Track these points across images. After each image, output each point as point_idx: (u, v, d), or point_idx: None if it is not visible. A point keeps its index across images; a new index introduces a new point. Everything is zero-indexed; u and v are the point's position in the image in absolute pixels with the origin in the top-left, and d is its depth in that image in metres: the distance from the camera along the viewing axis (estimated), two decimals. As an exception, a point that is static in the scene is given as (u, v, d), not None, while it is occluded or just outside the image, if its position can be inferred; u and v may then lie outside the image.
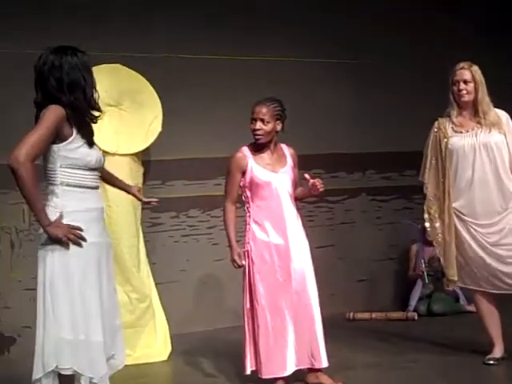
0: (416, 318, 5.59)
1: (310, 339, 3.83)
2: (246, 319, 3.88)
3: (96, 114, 3.05)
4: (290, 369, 3.81)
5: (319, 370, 3.89)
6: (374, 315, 5.65)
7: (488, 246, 4.15)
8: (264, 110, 3.83)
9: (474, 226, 4.17)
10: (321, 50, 5.92)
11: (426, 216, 4.31)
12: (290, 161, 3.96)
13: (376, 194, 6.23)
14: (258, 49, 5.66)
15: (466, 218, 4.18)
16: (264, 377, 3.80)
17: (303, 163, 5.58)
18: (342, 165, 6.05)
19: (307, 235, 4.00)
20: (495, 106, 4.25)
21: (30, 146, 2.81)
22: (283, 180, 3.89)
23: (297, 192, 4.00)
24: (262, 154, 3.89)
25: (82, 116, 2.99)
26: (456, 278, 4.23)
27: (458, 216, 4.20)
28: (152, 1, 5.39)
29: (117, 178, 3.49)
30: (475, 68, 4.22)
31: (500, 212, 4.14)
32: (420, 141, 6.07)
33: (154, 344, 4.68)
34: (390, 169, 6.27)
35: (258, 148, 3.89)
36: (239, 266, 3.85)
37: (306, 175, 3.90)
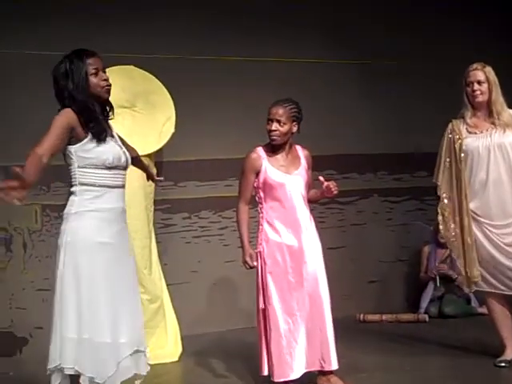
0: (427, 320, 5.57)
1: (320, 341, 3.82)
2: (260, 320, 3.88)
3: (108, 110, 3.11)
4: (299, 371, 3.80)
5: (331, 373, 3.88)
6: (384, 317, 5.64)
7: (504, 246, 4.13)
8: (280, 111, 3.83)
9: (489, 227, 4.15)
10: (333, 51, 5.90)
11: (439, 218, 4.29)
12: (304, 162, 3.96)
13: (388, 195, 6.22)
14: (269, 50, 5.65)
15: (480, 218, 4.16)
16: (276, 380, 3.79)
17: (315, 164, 5.57)
18: (354, 166, 6.04)
19: (319, 237, 4.00)
20: (509, 107, 4.23)
21: (46, 144, 2.91)
22: (297, 182, 3.89)
23: (310, 194, 3.99)
24: (276, 156, 3.88)
25: (94, 116, 3.03)
26: (479, 279, 4.18)
27: (472, 217, 4.18)
28: (166, 2, 5.40)
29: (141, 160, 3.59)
30: (488, 69, 4.21)
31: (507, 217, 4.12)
32: (432, 142, 6.10)
33: (165, 345, 4.69)
34: (402, 170, 6.25)
35: (272, 149, 3.89)
36: (250, 268, 3.84)
37: (321, 177, 3.90)
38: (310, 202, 4.02)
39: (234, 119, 5.45)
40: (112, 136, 3.16)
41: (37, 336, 4.88)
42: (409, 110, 6.14)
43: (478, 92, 4.17)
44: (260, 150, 3.89)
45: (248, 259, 3.81)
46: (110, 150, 3.07)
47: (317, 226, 4.03)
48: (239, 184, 3.93)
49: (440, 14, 6.22)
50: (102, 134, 3.05)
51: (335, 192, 3.89)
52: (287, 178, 3.86)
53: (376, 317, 5.65)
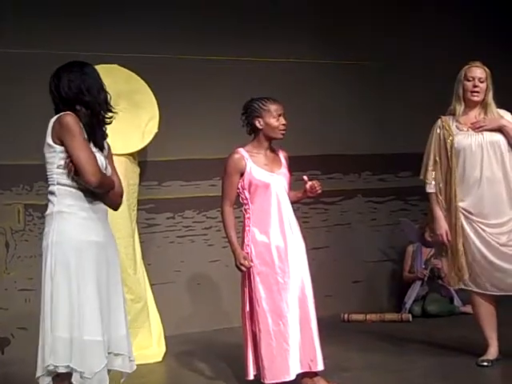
0: (411, 319, 5.59)
1: (309, 342, 3.82)
2: (246, 322, 3.86)
3: (109, 115, 3.13)
4: (293, 373, 3.77)
5: (315, 374, 3.87)
6: (368, 316, 5.65)
7: (498, 246, 4.09)
8: (282, 106, 3.88)
9: (482, 226, 4.11)
10: (317, 51, 5.92)
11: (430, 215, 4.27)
12: (284, 162, 3.97)
13: (372, 195, 6.24)
14: (254, 50, 5.66)
15: (474, 217, 4.12)
16: (267, 382, 3.75)
17: (299, 164, 5.60)
18: (338, 166, 6.05)
19: (303, 236, 4.00)
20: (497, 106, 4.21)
21: (90, 164, 2.97)
22: (281, 181, 3.89)
23: (290, 195, 3.99)
24: (258, 155, 3.87)
25: (92, 120, 3.05)
26: (466, 277, 4.15)
27: (465, 216, 4.14)
28: (150, 2, 5.38)
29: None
30: (487, 69, 4.16)
31: (509, 212, 4.10)
32: (416, 143, 6.14)
33: (148, 345, 4.68)
34: (386, 170, 6.27)
35: (254, 149, 3.89)
36: (247, 269, 3.78)
37: (305, 177, 3.90)
38: (291, 202, 4.01)
39: (219, 119, 5.44)
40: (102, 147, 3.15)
41: (19, 337, 4.84)
42: (393, 111, 6.16)
43: (478, 89, 4.10)
44: (242, 151, 3.87)
45: (243, 261, 3.77)
46: (97, 157, 3.07)
47: (301, 226, 4.03)
48: (223, 186, 3.89)
49: (428, 14, 6.25)
50: (95, 138, 3.08)
51: (319, 191, 3.89)
52: (272, 178, 3.85)
53: (360, 316, 5.67)
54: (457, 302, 5.77)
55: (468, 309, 5.66)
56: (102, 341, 2.98)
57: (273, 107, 3.84)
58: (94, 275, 2.99)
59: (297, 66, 5.83)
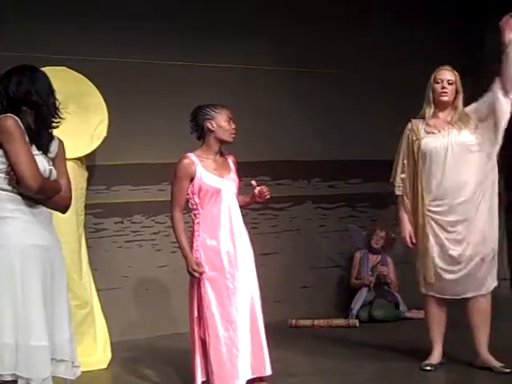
0: (357, 324, 5.66)
1: (258, 347, 3.82)
2: (194, 328, 3.84)
3: (55, 120, 3.10)
4: (243, 378, 3.77)
5: (261, 379, 3.88)
6: (316, 322, 5.69)
7: (446, 244, 4.16)
8: (231, 111, 3.93)
9: (441, 225, 4.16)
10: (268, 58, 5.94)
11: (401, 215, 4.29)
12: (233, 167, 3.98)
13: (321, 201, 6.29)
14: (206, 55, 5.65)
15: (436, 216, 4.18)
16: None
17: (249, 170, 5.61)
18: (288, 172, 6.08)
19: (251, 242, 4.01)
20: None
21: (30, 168, 2.91)
22: (231, 186, 3.90)
23: (239, 199, 3.99)
24: (208, 160, 3.87)
25: (37, 122, 3.00)
26: (433, 281, 4.20)
27: (432, 218, 4.19)
28: (98, 4, 5.32)
29: None
30: (456, 73, 4.25)
31: (467, 214, 4.15)
32: (366, 150, 6.25)
33: (93, 352, 4.61)
34: (336, 177, 6.33)
35: (203, 154, 3.88)
36: (200, 274, 3.77)
37: (253, 182, 3.92)
38: (240, 207, 4.02)
39: (168, 124, 5.41)
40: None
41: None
42: (345, 118, 6.23)
43: (446, 91, 4.18)
44: (191, 156, 3.86)
45: (196, 267, 3.75)
46: (38, 160, 3.00)
47: (250, 232, 4.04)
48: (172, 191, 3.87)
49: (389, 20, 6.33)
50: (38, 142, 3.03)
51: (267, 196, 3.92)
52: (223, 183, 3.86)
53: (308, 322, 5.70)
54: (402, 307, 5.87)
55: (413, 314, 5.78)
56: (49, 346, 2.93)
57: (224, 111, 3.89)
58: (39, 279, 2.94)
59: (249, 72, 5.85)
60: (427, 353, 4.32)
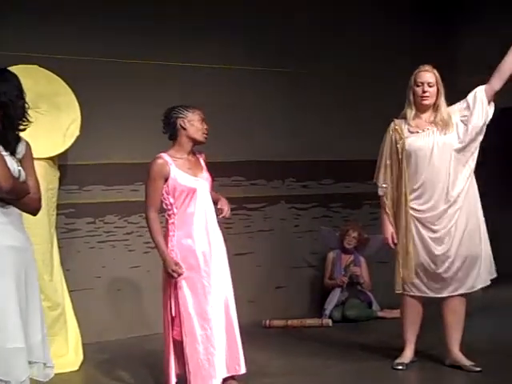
0: (331, 324, 5.68)
1: (234, 345, 3.83)
2: (169, 328, 3.82)
3: (24, 123, 3.06)
4: (219, 377, 3.78)
5: (232, 378, 3.89)
6: (289, 322, 5.70)
7: (428, 243, 4.18)
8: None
9: (424, 224, 4.18)
10: (242, 58, 5.93)
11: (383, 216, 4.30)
12: (204, 165, 3.98)
13: (295, 202, 6.30)
14: (179, 55, 5.62)
15: (420, 215, 4.19)
16: None
17: (223, 170, 5.65)
18: (262, 173, 6.08)
19: (225, 242, 4.00)
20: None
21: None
22: (205, 185, 3.90)
23: (212, 194, 3.98)
24: (181, 160, 3.86)
25: (4, 123, 2.96)
26: (415, 280, 4.21)
27: (416, 217, 4.20)
28: (69, 2, 5.26)
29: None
30: (436, 72, 4.22)
31: (449, 212, 4.17)
32: (340, 150, 6.28)
33: (65, 353, 4.57)
34: (309, 177, 6.35)
35: (176, 153, 3.87)
36: (179, 275, 3.74)
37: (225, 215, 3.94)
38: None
39: (141, 123, 5.37)
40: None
41: None
42: (319, 118, 6.25)
43: (428, 94, 4.17)
44: (165, 156, 3.85)
45: (175, 268, 3.73)
46: (7, 160, 2.97)
47: (224, 232, 4.04)
48: (147, 192, 3.84)
49: (363, 20, 6.35)
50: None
51: (225, 216, 3.97)
52: (197, 182, 3.85)
53: (282, 322, 5.71)
54: (375, 306, 5.91)
55: (386, 313, 5.82)
56: (25, 348, 2.90)
57: (197, 111, 3.90)
58: (13, 280, 2.91)
59: (222, 71, 5.83)
60: (399, 352, 4.36)
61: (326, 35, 6.23)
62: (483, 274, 4.27)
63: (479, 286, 4.29)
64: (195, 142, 3.90)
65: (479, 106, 4.17)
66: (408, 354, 4.34)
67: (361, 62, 6.33)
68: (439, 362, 4.36)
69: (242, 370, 3.86)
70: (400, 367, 4.28)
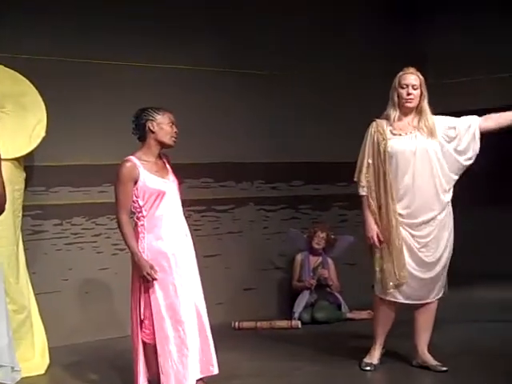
0: (300, 326, 5.69)
1: (206, 346, 3.82)
2: (137, 331, 3.80)
3: None
4: (192, 378, 3.76)
5: (202, 380, 3.88)
6: (259, 324, 5.70)
7: (416, 251, 4.17)
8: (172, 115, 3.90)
9: (409, 230, 4.16)
10: (212, 59, 5.91)
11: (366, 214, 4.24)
12: (169, 168, 3.96)
13: (264, 203, 6.30)
14: (149, 56, 5.59)
15: (405, 220, 4.16)
16: None
17: (192, 172, 5.63)
18: (231, 174, 6.08)
19: (194, 244, 3.98)
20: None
21: None
22: (173, 187, 3.88)
23: None
24: (148, 163, 3.83)
25: None
26: (406, 280, 4.16)
27: (399, 221, 4.17)
28: (35, 1, 5.20)
29: None
30: (420, 75, 4.22)
31: (433, 217, 4.16)
32: (309, 152, 6.30)
33: (31, 357, 4.51)
34: (278, 179, 6.36)
35: (144, 156, 3.84)
36: (154, 279, 3.71)
37: None
38: None
39: (108, 125, 5.33)
40: None
41: None
42: (289, 120, 6.26)
43: (412, 97, 4.16)
44: (133, 159, 3.81)
45: (150, 271, 3.70)
46: None
47: (192, 234, 4.02)
48: (117, 195, 3.79)
49: (332, 19, 6.38)
50: None
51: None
52: (166, 185, 3.83)
53: (251, 324, 5.71)
54: (344, 308, 5.93)
55: (355, 315, 5.85)
56: None
57: (167, 114, 3.86)
58: None
59: (192, 72, 5.81)
60: (367, 352, 4.38)
61: (301, 35, 6.26)
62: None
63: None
64: (163, 145, 3.86)
65: (472, 141, 4.19)
66: (376, 355, 4.37)
67: (332, 64, 6.36)
68: (406, 362, 4.39)
69: (215, 370, 3.85)
70: (368, 368, 4.31)
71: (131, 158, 3.82)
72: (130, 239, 3.77)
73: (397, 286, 4.19)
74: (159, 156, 3.91)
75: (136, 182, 3.78)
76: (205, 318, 3.86)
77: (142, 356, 3.80)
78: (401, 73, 4.23)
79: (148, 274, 3.71)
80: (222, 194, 5.91)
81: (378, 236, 4.21)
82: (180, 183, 3.98)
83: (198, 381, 3.84)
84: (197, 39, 5.79)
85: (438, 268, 4.23)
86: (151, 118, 3.82)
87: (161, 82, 5.57)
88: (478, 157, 4.25)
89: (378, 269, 4.23)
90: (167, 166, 3.95)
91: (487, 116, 4.23)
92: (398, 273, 4.17)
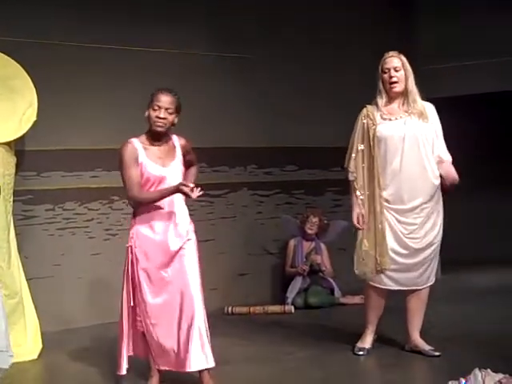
0: (293, 311, 5.70)
1: (199, 335, 3.73)
2: (126, 317, 3.78)
3: None
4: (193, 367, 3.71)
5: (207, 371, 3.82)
6: (252, 309, 5.70)
7: (402, 236, 4.16)
8: (170, 99, 3.73)
9: (396, 215, 4.15)
10: (205, 43, 5.88)
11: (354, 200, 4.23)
12: (179, 154, 3.84)
13: (257, 188, 6.28)
14: (141, 40, 5.54)
15: (392, 205, 4.16)
16: (162, 368, 3.79)
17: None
18: (224, 159, 6.05)
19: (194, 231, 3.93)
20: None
21: None
22: (174, 174, 3.78)
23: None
24: (152, 147, 3.75)
25: None
26: (388, 266, 4.15)
27: (387, 206, 4.16)
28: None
29: None
30: (403, 57, 4.20)
31: (423, 203, 4.15)
32: (302, 137, 6.27)
33: (23, 342, 4.50)
34: (272, 164, 6.34)
35: (148, 141, 3.76)
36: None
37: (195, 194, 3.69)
38: None
39: (102, 109, 5.29)
40: None
41: None
42: (280, 104, 6.22)
43: (395, 79, 4.14)
44: (135, 141, 3.74)
45: (181, 186, 3.58)
46: None
47: (186, 219, 3.99)
48: (124, 178, 3.69)
49: (319, 4, 6.33)
50: None
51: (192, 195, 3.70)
52: (165, 171, 3.74)
53: (244, 309, 5.71)
54: (337, 293, 5.94)
55: (348, 300, 5.86)
56: None
57: (156, 98, 3.73)
58: None
59: (184, 57, 5.77)
60: (360, 337, 4.38)
61: (282, 21, 6.21)
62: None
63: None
64: (152, 131, 3.76)
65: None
66: (369, 340, 4.38)
67: (322, 49, 6.33)
68: (399, 347, 4.40)
69: (188, 369, 3.73)
70: (361, 353, 4.32)
71: (133, 140, 3.75)
72: (153, 194, 3.68)
73: (378, 272, 4.18)
74: (165, 141, 3.81)
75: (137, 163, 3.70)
76: (197, 306, 3.73)
77: (126, 341, 3.79)
78: (382, 58, 4.22)
79: (183, 184, 3.60)
80: (216, 179, 5.88)
81: (360, 218, 4.19)
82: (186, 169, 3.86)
83: (202, 371, 3.78)
84: (184, 24, 5.74)
85: (426, 253, 4.21)
86: (149, 103, 3.76)
87: (151, 66, 5.52)
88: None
89: (359, 253, 4.23)
90: (177, 151, 3.82)
91: (446, 165, 4.21)
92: (380, 259, 4.16)
